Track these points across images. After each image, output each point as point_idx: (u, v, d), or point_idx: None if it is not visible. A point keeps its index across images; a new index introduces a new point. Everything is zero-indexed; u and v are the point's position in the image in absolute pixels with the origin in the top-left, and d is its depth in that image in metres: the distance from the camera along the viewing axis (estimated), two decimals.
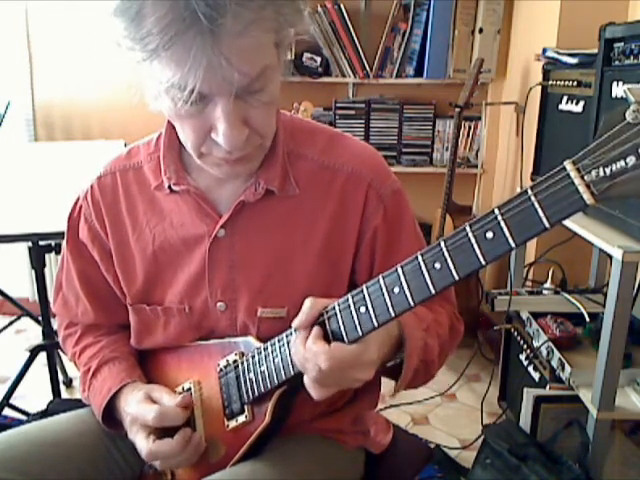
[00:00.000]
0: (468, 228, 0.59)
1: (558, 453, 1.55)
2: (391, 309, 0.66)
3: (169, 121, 0.89)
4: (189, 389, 0.90)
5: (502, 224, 0.57)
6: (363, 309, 0.68)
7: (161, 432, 0.85)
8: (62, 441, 0.91)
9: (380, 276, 0.67)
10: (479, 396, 2.22)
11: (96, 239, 0.94)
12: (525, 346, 1.96)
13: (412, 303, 0.64)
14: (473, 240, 0.58)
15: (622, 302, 1.38)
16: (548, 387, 1.78)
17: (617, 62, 1.49)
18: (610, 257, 1.46)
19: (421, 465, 1.08)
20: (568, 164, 0.53)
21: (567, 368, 1.60)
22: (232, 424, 0.85)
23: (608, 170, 0.50)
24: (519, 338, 2.02)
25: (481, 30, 2.60)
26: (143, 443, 0.84)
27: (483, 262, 0.58)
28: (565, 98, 1.85)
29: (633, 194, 0.50)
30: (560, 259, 2.13)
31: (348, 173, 0.87)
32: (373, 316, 0.67)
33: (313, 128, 0.93)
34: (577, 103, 1.78)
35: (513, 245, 0.56)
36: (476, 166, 2.81)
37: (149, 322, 0.94)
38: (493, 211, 0.57)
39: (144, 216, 0.91)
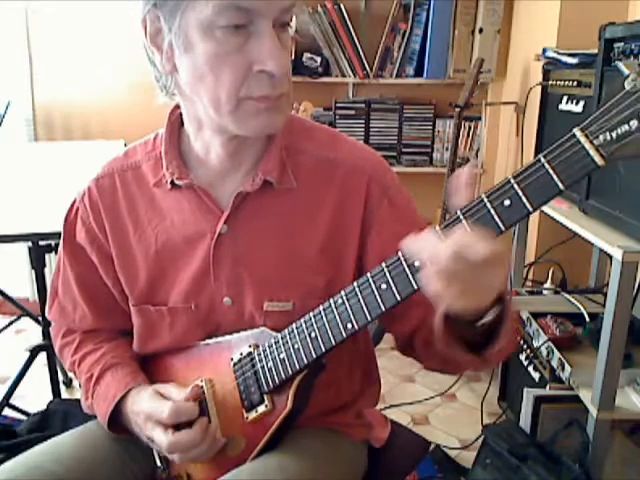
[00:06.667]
0: (485, 198, 0.61)
1: (558, 453, 1.55)
2: None
3: (170, 118, 0.90)
4: (201, 387, 0.90)
5: (519, 191, 0.60)
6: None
7: (178, 426, 0.84)
8: (80, 458, 0.90)
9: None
10: (479, 396, 2.22)
11: (94, 242, 0.94)
12: (525, 346, 1.96)
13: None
14: (491, 209, 0.61)
15: (622, 302, 1.38)
16: (548, 387, 1.78)
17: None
18: (610, 257, 1.46)
19: (420, 456, 1.10)
20: (577, 131, 0.57)
21: (567, 368, 1.60)
22: (252, 415, 0.85)
23: (614, 134, 0.55)
24: (519, 338, 2.02)
25: (481, 30, 2.60)
26: (162, 437, 0.83)
27: (503, 228, 0.61)
28: (565, 98, 1.85)
29: (638, 154, 0.55)
30: (560, 259, 2.13)
31: (348, 167, 0.87)
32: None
33: (312, 125, 0.94)
34: (577, 103, 1.77)
35: (531, 209, 0.60)
36: (476, 166, 2.81)
37: (154, 323, 0.93)
38: (509, 180, 0.60)
39: (145, 216, 0.91)
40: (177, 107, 0.89)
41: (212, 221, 0.87)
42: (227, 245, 0.87)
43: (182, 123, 0.89)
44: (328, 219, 0.86)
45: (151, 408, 0.85)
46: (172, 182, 0.88)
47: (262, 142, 0.88)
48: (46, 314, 1.04)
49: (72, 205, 0.97)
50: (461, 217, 0.63)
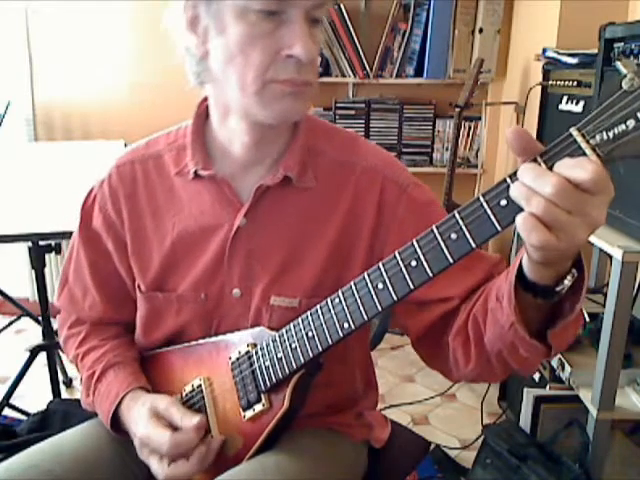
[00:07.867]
0: (482, 198, 0.61)
1: (558, 453, 1.55)
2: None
3: (197, 110, 0.92)
4: (199, 386, 0.90)
5: None
6: None
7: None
8: (79, 458, 0.89)
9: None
10: (479, 396, 2.22)
11: (111, 229, 0.94)
12: None
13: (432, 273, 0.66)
14: (488, 209, 0.60)
15: (622, 302, 1.38)
16: (548, 387, 1.78)
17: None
18: (610, 257, 1.45)
19: (420, 456, 1.10)
20: (573, 130, 0.56)
21: (567, 368, 1.60)
22: (249, 414, 0.85)
23: (611, 134, 0.54)
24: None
25: (481, 30, 2.60)
26: (158, 468, 0.84)
27: (499, 228, 0.60)
28: (565, 98, 1.85)
29: (635, 154, 0.55)
30: None
31: (363, 167, 0.89)
32: None
33: (333, 128, 0.96)
34: (577, 103, 1.77)
35: None
36: (476, 166, 2.81)
37: (160, 310, 0.94)
38: (505, 180, 0.59)
39: (164, 205, 0.92)
40: (204, 100, 0.91)
41: (231, 213, 0.88)
42: (243, 238, 0.88)
43: (207, 116, 0.91)
44: (340, 220, 0.88)
45: (148, 435, 0.85)
46: (195, 172, 0.89)
47: (286, 137, 0.89)
48: (55, 301, 1.05)
49: (90, 192, 0.98)
50: (457, 217, 0.62)
